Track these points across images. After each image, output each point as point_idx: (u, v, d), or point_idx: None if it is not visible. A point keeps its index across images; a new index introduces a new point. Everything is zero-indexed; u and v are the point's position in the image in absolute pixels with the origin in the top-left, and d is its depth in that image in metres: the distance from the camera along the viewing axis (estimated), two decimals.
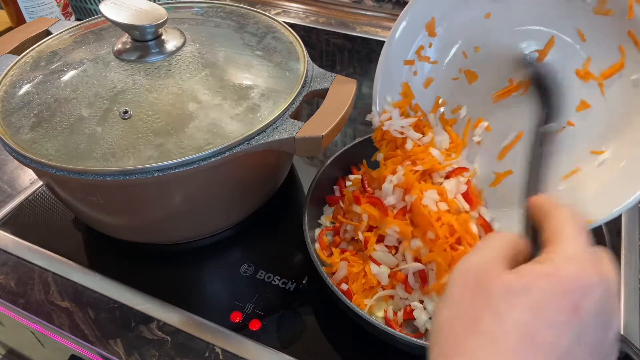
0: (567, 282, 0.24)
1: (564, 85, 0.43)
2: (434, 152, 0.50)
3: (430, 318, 0.45)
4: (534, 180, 0.34)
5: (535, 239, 0.30)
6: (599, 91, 0.47)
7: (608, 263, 0.26)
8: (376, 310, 0.47)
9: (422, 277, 0.46)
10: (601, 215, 0.44)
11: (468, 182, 0.49)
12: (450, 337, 0.25)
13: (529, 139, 0.39)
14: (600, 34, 0.45)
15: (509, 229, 0.48)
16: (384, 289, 0.47)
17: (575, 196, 0.46)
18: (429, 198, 0.47)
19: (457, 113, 0.53)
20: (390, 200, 0.49)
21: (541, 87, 0.43)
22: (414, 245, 0.46)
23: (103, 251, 0.58)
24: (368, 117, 0.53)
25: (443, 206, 0.47)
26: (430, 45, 0.52)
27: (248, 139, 0.45)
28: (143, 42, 0.51)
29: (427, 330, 0.45)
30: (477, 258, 0.27)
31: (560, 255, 0.26)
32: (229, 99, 0.48)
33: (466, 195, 0.48)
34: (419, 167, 0.48)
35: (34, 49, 0.57)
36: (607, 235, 0.48)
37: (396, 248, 0.48)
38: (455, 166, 0.50)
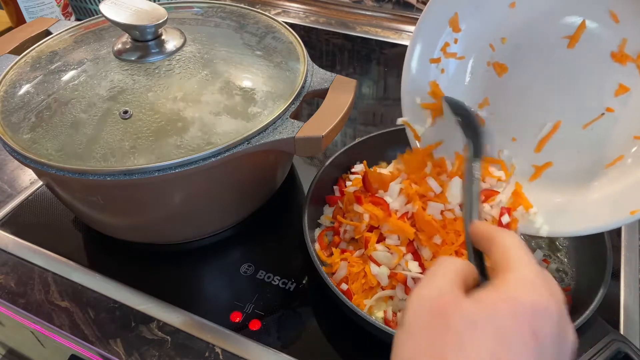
0: (526, 308, 0.25)
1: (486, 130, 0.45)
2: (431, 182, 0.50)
3: None
4: (471, 207, 0.36)
5: (479, 263, 0.31)
6: (637, 73, 0.45)
7: (555, 283, 0.27)
8: (376, 310, 0.47)
9: None
10: None
11: (507, 210, 0.48)
12: None
13: (464, 170, 0.40)
14: (634, 13, 0.44)
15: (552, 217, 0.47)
16: (383, 290, 0.47)
17: (620, 184, 0.45)
18: (434, 208, 0.47)
19: (483, 108, 0.52)
20: (394, 205, 0.49)
21: (468, 128, 0.45)
22: (424, 254, 0.47)
23: (103, 251, 0.58)
24: (399, 121, 0.52)
25: (449, 215, 0.47)
26: (455, 41, 0.51)
27: (248, 139, 0.45)
28: (143, 42, 0.51)
29: None
30: (432, 287, 0.27)
31: (515, 280, 0.26)
32: (229, 99, 0.48)
33: (508, 211, 0.48)
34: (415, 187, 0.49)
35: (34, 49, 0.57)
36: (607, 236, 0.48)
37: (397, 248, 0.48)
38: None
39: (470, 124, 0.46)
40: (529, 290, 0.25)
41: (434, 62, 0.51)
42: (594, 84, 0.47)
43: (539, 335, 0.24)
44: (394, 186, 0.51)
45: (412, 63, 0.51)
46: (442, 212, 0.48)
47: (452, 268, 0.28)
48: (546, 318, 0.25)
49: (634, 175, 0.45)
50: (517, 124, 0.50)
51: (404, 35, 0.93)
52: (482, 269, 0.31)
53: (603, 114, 0.46)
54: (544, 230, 0.47)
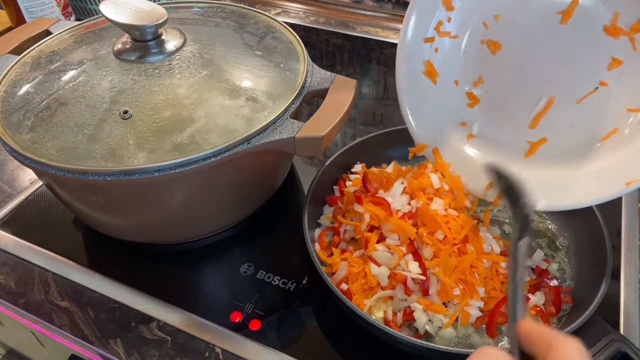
0: None
1: (527, 196, 0.40)
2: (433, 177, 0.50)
3: (430, 320, 0.45)
4: (516, 299, 0.33)
5: None
6: (631, 46, 0.45)
7: None
8: (376, 310, 0.47)
9: (424, 290, 0.46)
10: None
11: (555, 290, 0.48)
12: None
13: (509, 253, 0.37)
14: None
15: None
16: (383, 290, 0.47)
17: (614, 157, 0.46)
18: (437, 203, 0.48)
19: (478, 86, 0.52)
20: (396, 205, 0.49)
21: (512, 200, 0.41)
22: (425, 253, 0.47)
23: (103, 251, 0.58)
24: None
25: (452, 212, 0.48)
26: (449, 20, 0.51)
27: (248, 139, 0.45)
28: (143, 42, 0.51)
29: (426, 331, 0.45)
30: None
31: None
32: (229, 99, 0.48)
33: (557, 300, 0.47)
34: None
35: (34, 49, 0.57)
36: (607, 236, 0.48)
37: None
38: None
39: (518, 199, 0.40)
40: None
41: (428, 41, 0.51)
42: (587, 59, 0.47)
43: None
44: (398, 185, 0.51)
45: (407, 38, 0.50)
46: (445, 210, 0.48)
47: None
48: None
49: (629, 148, 0.45)
50: (511, 101, 0.51)
51: None
52: None
53: (597, 88, 0.47)
54: (542, 204, 0.47)
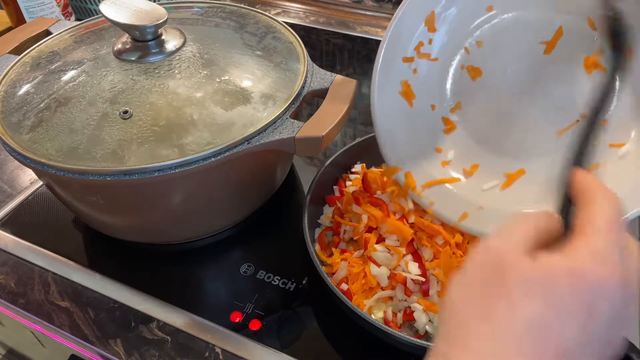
0: (586, 282, 0.23)
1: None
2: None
3: (430, 320, 0.45)
4: (585, 146, 0.31)
5: (567, 216, 0.28)
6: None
7: (636, 266, 0.25)
8: (376, 310, 0.47)
9: (424, 291, 0.46)
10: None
11: None
12: (458, 318, 0.25)
13: (599, 88, 0.34)
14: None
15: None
16: (383, 290, 0.47)
17: None
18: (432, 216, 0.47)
19: (454, 112, 0.51)
20: (392, 206, 0.49)
21: (614, 32, 0.38)
22: (425, 254, 0.47)
23: (103, 251, 0.58)
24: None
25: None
26: (430, 42, 0.49)
27: (248, 139, 0.45)
28: (143, 42, 0.51)
29: (427, 332, 0.45)
30: (503, 239, 0.26)
31: (585, 250, 0.24)
32: (229, 99, 0.48)
33: None
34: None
35: (34, 49, 0.57)
36: None
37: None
38: None
39: (621, 25, 0.37)
40: (595, 264, 0.24)
41: (407, 61, 0.50)
42: (568, 90, 0.46)
43: (593, 312, 0.23)
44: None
45: (386, 54, 0.48)
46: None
47: (532, 225, 0.26)
48: (607, 298, 0.23)
49: (610, 184, 0.44)
50: (489, 130, 0.49)
51: None
52: (569, 224, 0.28)
53: (578, 120, 0.45)
54: None
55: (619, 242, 0.25)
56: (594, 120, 0.33)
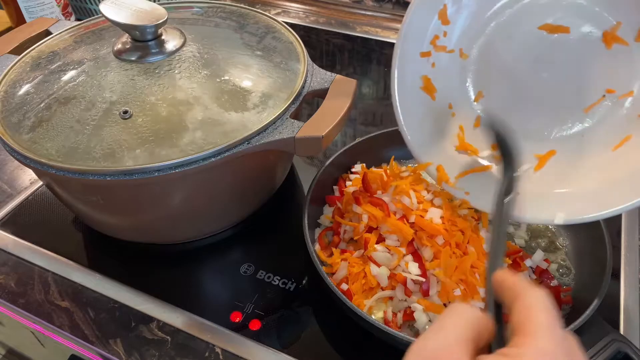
0: None
1: (518, 148, 0.42)
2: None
3: (430, 320, 0.45)
4: (497, 251, 0.33)
5: (498, 317, 0.28)
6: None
7: (579, 352, 0.25)
8: (375, 310, 0.47)
9: (424, 291, 0.46)
10: None
11: (555, 290, 0.48)
12: None
13: (493, 212, 0.37)
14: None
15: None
16: (383, 290, 0.47)
17: (630, 166, 0.44)
18: (433, 213, 0.47)
19: (478, 101, 0.50)
20: (393, 206, 0.49)
21: (503, 151, 0.42)
22: (425, 254, 0.47)
23: (103, 251, 0.58)
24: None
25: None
26: (445, 34, 0.49)
27: (248, 139, 0.45)
28: (143, 42, 0.51)
29: None
30: (439, 340, 0.25)
31: (532, 351, 0.23)
32: (229, 99, 0.48)
33: (557, 300, 0.48)
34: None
35: (34, 49, 0.57)
36: (607, 236, 0.48)
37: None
38: None
39: (508, 152, 0.41)
40: None
41: (425, 55, 0.49)
42: (589, 69, 0.46)
43: None
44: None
45: (403, 51, 0.48)
46: (441, 217, 0.48)
47: (465, 320, 0.25)
48: None
49: None
50: (513, 115, 0.49)
51: None
52: (501, 323, 0.28)
53: (604, 95, 0.46)
54: (560, 218, 0.45)
55: (562, 334, 0.24)
56: (499, 222, 0.36)
